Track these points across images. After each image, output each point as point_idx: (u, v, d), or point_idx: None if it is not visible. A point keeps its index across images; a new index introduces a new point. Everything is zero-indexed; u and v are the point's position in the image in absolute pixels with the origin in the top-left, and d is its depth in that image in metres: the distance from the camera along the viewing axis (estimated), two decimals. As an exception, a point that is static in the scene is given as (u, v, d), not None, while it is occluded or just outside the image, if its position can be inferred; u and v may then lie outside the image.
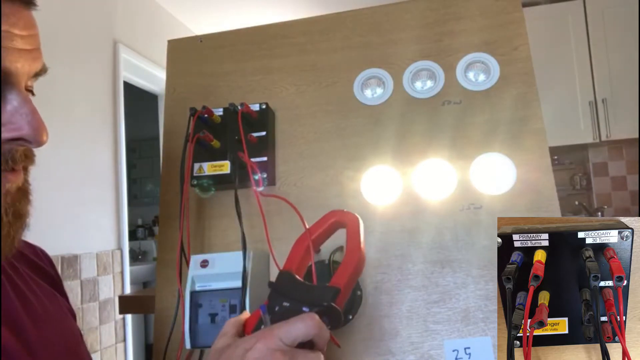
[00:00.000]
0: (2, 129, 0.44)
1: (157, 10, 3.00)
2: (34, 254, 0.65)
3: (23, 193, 0.49)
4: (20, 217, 0.48)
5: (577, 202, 3.03)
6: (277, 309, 0.50)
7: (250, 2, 3.09)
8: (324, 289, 0.51)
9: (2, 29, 0.42)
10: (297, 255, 0.57)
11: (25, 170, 0.49)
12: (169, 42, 0.95)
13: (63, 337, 0.57)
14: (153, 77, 2.85)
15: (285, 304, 0.51)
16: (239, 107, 0.79)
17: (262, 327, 0.48)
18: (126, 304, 1.17)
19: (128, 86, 2.68)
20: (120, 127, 2.44)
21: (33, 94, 0.49)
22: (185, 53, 0.94)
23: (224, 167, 0.79)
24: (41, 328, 0.53)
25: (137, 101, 3.24)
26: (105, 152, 2.34)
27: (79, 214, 2.08)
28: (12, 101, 0.45)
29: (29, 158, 0.48)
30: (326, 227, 0.60)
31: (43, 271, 0.64)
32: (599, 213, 2.98)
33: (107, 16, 2.46)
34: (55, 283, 0.65)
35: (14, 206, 0.47)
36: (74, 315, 0.66)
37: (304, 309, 0.49)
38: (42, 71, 0.49)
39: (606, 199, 3.18)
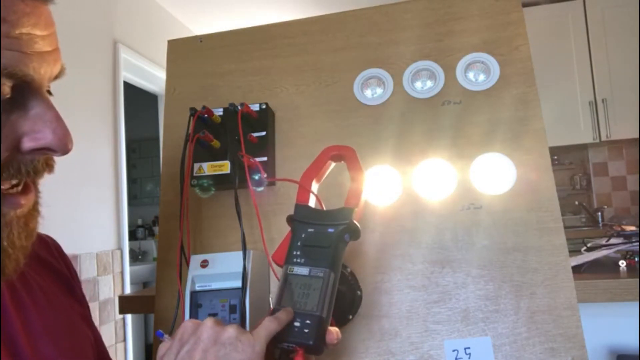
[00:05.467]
0: (25, 138, 0.41)
1: (157, 10, 3.00)
2: (44, 248, 0.61)
3: (34, 208, 0.46)
4: (31, 237, 0.45)
5: (577, 202, 3.03)
6: (303, 235, 0.58)
7: (250, 2, 3.09)
8: (341, 210, 0.59)
9: (23, 31, 0.39)
10: (307, 190, 0.64)
11: (36, 182, 0.46)
12: (169, 42, 0.95)
13: (64, 354, 0.53)
14: (153, 77, 2.85)
15: (310, 229, 0.58)
16: (239, 107, 0.79)
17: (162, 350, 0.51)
18: (126, 304, 1.17)
19: (128, 86, 2.68)
20: (120, 127, 2.44)
21: (51, 93, 0.46)
22: (185, 53, 0.94)
23: (224, 167, 0.79)
24: (38, 345, 0.50)
25: (137, 101, 3.24)
26: (105, 152, 2.34)
27: (79, 214, 2.08)
28: (35, 108, 0.41)
29: (49, 166, 0.45)
30: (327, 160, 0.67)
31: (54, 269, 0.60)
32: (599, 213, 2.98)
33: (107, 16, 2.46)
34: (67, 281, 0.62)
35: (26, 229, 0.44)
36: (87, 320, 0.62)
37: (329, 230, 0.57)
38: (61, 73, 0.45)
39: (606, 199, 3.18)
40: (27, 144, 0.41)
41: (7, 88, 0.39)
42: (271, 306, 0.55)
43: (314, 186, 0.65)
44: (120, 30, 2.53)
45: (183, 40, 0.95)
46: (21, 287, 0.53)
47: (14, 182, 0.42)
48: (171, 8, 3.11)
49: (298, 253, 0.57)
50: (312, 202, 0.64)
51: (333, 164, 0.69)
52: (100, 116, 2.32)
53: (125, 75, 2.57)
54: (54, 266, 0.61)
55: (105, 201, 2.32)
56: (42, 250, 0.60)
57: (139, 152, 4.27)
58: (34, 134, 0.41)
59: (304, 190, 0.64)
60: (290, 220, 0.61)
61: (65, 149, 0.42)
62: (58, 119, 0.42)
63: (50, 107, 0.42)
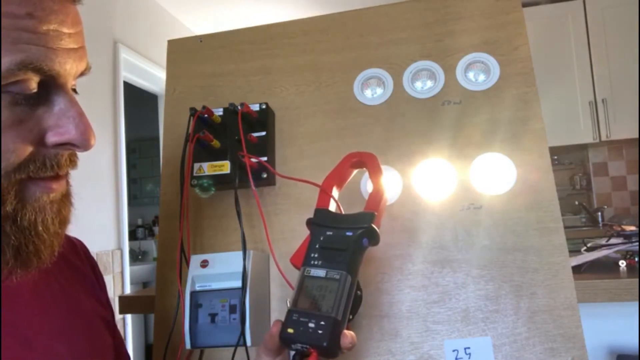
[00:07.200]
0: (49, 133, 0.42)
1: (157, 10, 3.00)
2: (72, 250, 0.62)
3: (66, 197, 0.47)
4: (64, 223, 0.47)
5: (577, 202, 3.03)
6: (322, 238, 0.58)
7: (250, 2, 3.09)
8: (361, 214, 0.59)
9: (50, 27, 0.40)
10: (329, 195, 0.64)
11: (67, 174, 0.47)
12: (169, 42, 0.95)
13: (79, 356, 0.54)
14: (153, 77, 2.85)
15: (329, 232, 0.58)
16: (239, 107, 0.79)
17: None
18: (126, 304, 1.17)
19: (128, 86, 2.68)
20: (120, 127, 2.44)
21: (76, 92, 0.47)
22: (185, 53, 0.94)
23: (224, 167, 0.79)
24: (53, 345, 0.51)
25: (137, 101, 3.24)
26: (105, 152, 2.34)
27: (79, 214, 2.07)
28: (60, 103, 0.43)
29: (73, 162, 0.46)
30: (348, 167, 0.67)
31: (80, 271, 0.61)
32: (599, 213, 2.98)
33: (107, 16, 2.46)
34: (92, 284, 0.62)
35: (59, 215, 0.45)
36: (110, 325, 0.63)
37: (348, 233, 0.57)
38: (86, 70, 0.47)
39: (606, 199, 3.18)
40: (51, 138, 0.42)
41: (33, 83, 0.40)
42: (288, 305, 0.54)
43: (334, 193, 0.65)
44: (120, 30, 2.53)
45: (183, 40, 0.95)
46: (44, 286, 0.53)
47: (42, 175, 0.43)
48: (171, 8, 3.11)
49: (315, 255, 0.56)
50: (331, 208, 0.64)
51: (355, 171, 0.69)
52: (100, 116, 2.32)
53: (125, 75, 2.57)
54: (80, 269, 0.61)
55: (105, 201, 2.32)
56: (69, 251, 0.61)
57: (139, 152, 4.27)
58: (58, 128, 0.42)
59: (325, 195, 0.64)
60: (309, 223, 0.61)
61: (87, 145, 0.44)
62: (81, 115, 0.44)
63: (74, 103, 0.44)
